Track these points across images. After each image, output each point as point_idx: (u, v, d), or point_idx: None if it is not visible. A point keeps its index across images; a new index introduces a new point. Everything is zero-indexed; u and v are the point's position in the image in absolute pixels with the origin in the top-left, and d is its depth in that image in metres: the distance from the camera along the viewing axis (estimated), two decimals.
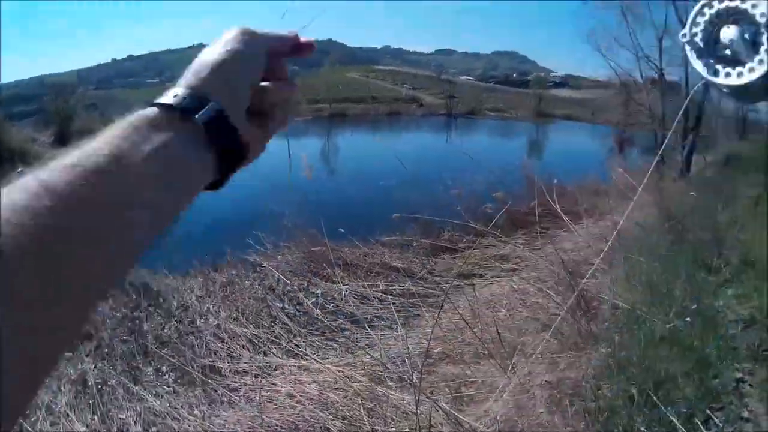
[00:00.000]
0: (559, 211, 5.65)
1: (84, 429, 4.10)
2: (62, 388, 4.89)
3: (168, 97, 0.51)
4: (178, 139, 0.48)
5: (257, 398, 3.99)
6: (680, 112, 14.34)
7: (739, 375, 3.58)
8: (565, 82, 77.98)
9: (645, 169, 12.84)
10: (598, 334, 3.88)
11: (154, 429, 4.17)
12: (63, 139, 27.38)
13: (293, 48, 0.67)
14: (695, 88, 4.09)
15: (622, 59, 16.13)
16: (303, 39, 0.66)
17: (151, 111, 0.49)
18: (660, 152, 12.86)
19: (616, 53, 16.01)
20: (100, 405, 4.62)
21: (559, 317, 3.63)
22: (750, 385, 3.47)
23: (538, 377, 3.37)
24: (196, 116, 0.50)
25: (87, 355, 5.62)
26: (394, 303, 5.43)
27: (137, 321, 6.39)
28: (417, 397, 2.83)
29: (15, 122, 32.83)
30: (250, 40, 0.58)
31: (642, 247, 5.81)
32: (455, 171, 8.97)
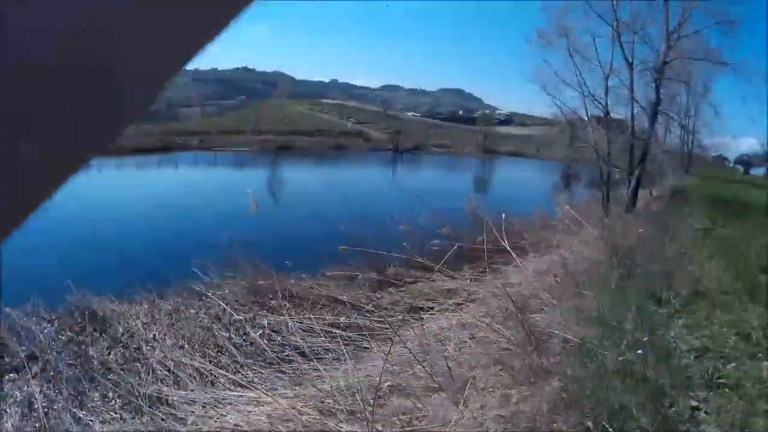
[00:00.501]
0: (506, 246, 5.75)
1: None
2: (8, 410, 4.80)
3: None
4: None
5: (204, 429, 3.98)
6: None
7: (694, 403, 3.65)
8: (510, 119, 79.56)
9: (591, 204, 13.10)
10: (550, 368, 3.95)
11: None
12: None
13: None
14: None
15: (567, 97, 16.48)
16: None
17: None
18: (606, 188, 13.20)
19: (561, 92, 16.34)
20: (47, 429, 4.55)
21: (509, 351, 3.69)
22: (705, 412, 3.55)
23: (491, 411, 3.41)
24: None
25: (33, 377, 5.51)
26: (341, 336, 5.48)
27: (83, 345, 6.32)
28: (369, 431, 2.85)
29: None
30: None
31: (591, 280, 5.94)
32: (402, 206, 9.10)
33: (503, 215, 6.38)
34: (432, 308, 6.50)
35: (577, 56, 15.45)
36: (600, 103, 15.65)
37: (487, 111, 61.34)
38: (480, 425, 3.24)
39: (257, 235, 10.55)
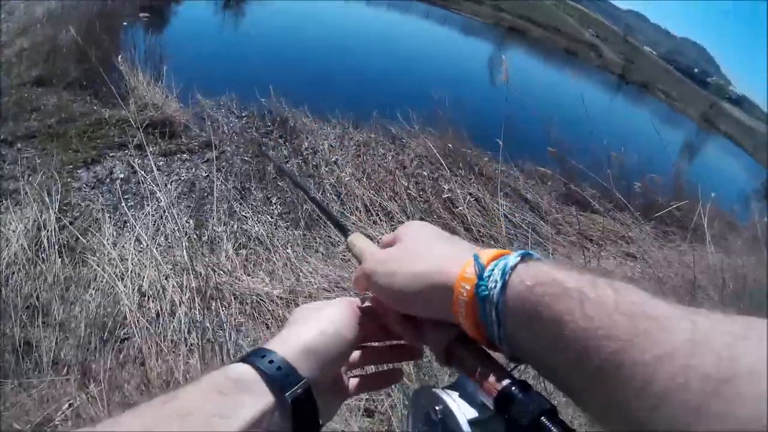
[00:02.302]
0: (705, 226, 5.13)
1: (176, 228, 4.27)
2: (168, 186, 5.14)
3: (263, 362, 0.56)
4: (277, 412, 0.54)
5: (353, 260, 4.00)
6: None
7: None
8: (740, 100, 71.90)
9: None
10: None
11: (243, 251, 4.31)
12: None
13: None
14: None
15: None
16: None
17: (242, 371, 0.56)
18: None
19: None
20: (200, 212, 4.85)
21: None
22: None
23: None
24: (288, 393, 0.54)
25: (204, 162, 5.86)
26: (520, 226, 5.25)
27: (263, 147, 6.58)
28: None
29: None
30: (351, 325, 0.65)
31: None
32: (615, 135, 8.48)
33: (713, 194, 5.70)
34: (600, 245, 6.12)
35: None
36: None
37: (722, 82, 55.24)
38: None
39: (476, 103, 10.37)
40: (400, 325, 0.66)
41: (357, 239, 0.86)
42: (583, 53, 42.05)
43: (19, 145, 5.53)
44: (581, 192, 6.98)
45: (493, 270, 0.54)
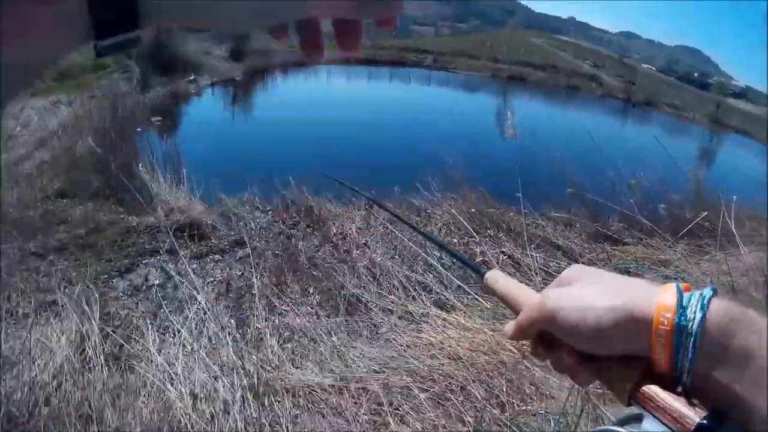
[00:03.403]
0: (732, 228, 5.13)
1: (219, 329, 4.34)
2: (205, 288, 5.24)
3: None
4: None
5: (399, 339, 4.03)
6: None
7: None
8: (744, 93, 72.20)
9: None
10: None
11: (289, 345, 4.35)
12: (238, 55, 29.37)
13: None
14: None
15: None
16: None
17: None
18: None
19: None
20: (240, 310, 4.93)
21: None
22: None
23: None
24: None
25: (236, 261, 5.99)
26: (556, 274, 5.22)
27: (293, 239, 6.69)
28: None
29: (191, 32, 35.40)
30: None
31: None
32: (629, 160, 8.53)
33: (734, 197, 5.70)
34: (639, 274, 6.07)
35: None
36: None
37: (723, 79, 55.68)
38: None
39: (485, 161, 10.51)
40: (574, 363, 0.67)
41: (498, 278, 0.86)
42: (584, 85, 42.50)
43: (51, 257, 5.69)
44: (609, 228, 7.02)
45: (689, 301, 0.57)
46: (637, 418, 0.61)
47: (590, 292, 0.66)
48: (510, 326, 0.76)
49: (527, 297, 0.78)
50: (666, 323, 0.56)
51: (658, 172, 7.97)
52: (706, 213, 5.79)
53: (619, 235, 7.00)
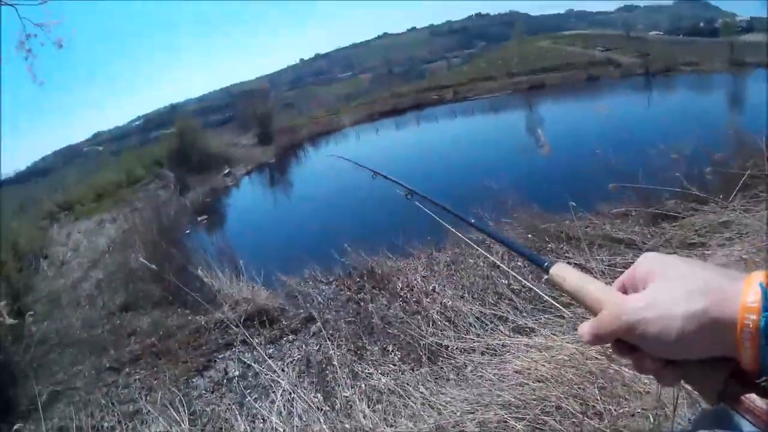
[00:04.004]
0: None
1: (307, 406, 4.37)
2: (285, 369, 5.29)
3: None
4: None
5: (486, 375, 4.00)
6: None
7: None
8: (751, 26, 70.76)
9: None
10: None
11: (379, 406, 4.35)
12: (265, 139, 30.18)
13: None
14: None
15: None
16: None
17: None
18: None
19: None
20: (324, 383, 4.96)
21: None
22: None
23: None
24: None
25: (311, 337, 6.06)
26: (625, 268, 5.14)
27: (362, 303, 6.74)
28: None
29: (213, 129, 36.93)
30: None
31: None
32: (666, 134, 8.42)
33: None
34: (704, 244, 5.94)
35: None
36: None
37: (727, 19, 54.62)
38: None
39: (534, 174, 10.52)
40: (658, 367, 0.65)
41: (566, 274, 0.83)
42: (602, 72, 42.60)
43: (127, 369, 5.86)
44: (663, 207, 6.90)
45: None
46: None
47: (667, 296, 0.63)
48: (586, 329, 0.74)
49: (602, 295, 0.75)
50: (751, 325, 0.55)
51: (697, 136, 7.87)
52: (752, 160, 5.65)
53: (676, 211, 6.87)
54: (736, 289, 0.58)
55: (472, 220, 1.55)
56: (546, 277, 0.87)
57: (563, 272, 0.84)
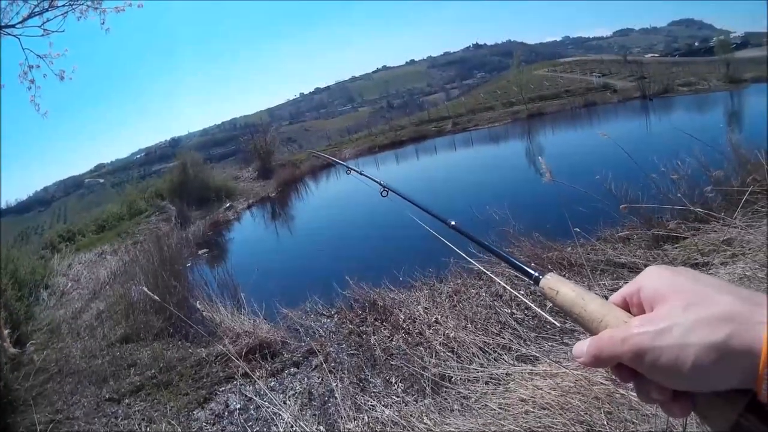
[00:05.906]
0: None
1: None
2: (287, 402, 5.27)
3: None
4: None
5: (490, 404, 3.99)
6: None
7: None
8: (746, 41, 71.71)
9: None
10: None
11: None
12: (266, 173, 30.46)
13: None
14: None
15: None
16: None
17: None
18: None
19: None
20: (326, 415, 4.94)
21: None
22: None
23: None
24: None
25: (312, 370, 6.03)
26: None
27: (364, 335, 6.72)
28: None
29: (215, 163, 37.30)
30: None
31: None
32: (665, 155, 8.45)
33: None
34: (707, 263, 5.93)
35: None
36: None
37: (722, 37, 55.46)
38: None
39: (536, 202, 10.55)
40: (666, 398, 0.62)
41: (559, 287, 0.78)
42: (600, 98, 43.46)
43: (127, 400, 5.84)
44: (665, 228, 6.91)
45: None
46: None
47: (681, 322, 0.59)
48: (582, 350, 0.69)
49: (602, 313, 0.70)
50: None
51: (696, 155, 7.91)
52: (752, 177, 5.68)
53: (678, 232, 6.89)
54: (758, 317, 0.54)
55: (453, 223, 1.53)
56: (537, 289, 0.82)
57: (556, 285, 0.79)
